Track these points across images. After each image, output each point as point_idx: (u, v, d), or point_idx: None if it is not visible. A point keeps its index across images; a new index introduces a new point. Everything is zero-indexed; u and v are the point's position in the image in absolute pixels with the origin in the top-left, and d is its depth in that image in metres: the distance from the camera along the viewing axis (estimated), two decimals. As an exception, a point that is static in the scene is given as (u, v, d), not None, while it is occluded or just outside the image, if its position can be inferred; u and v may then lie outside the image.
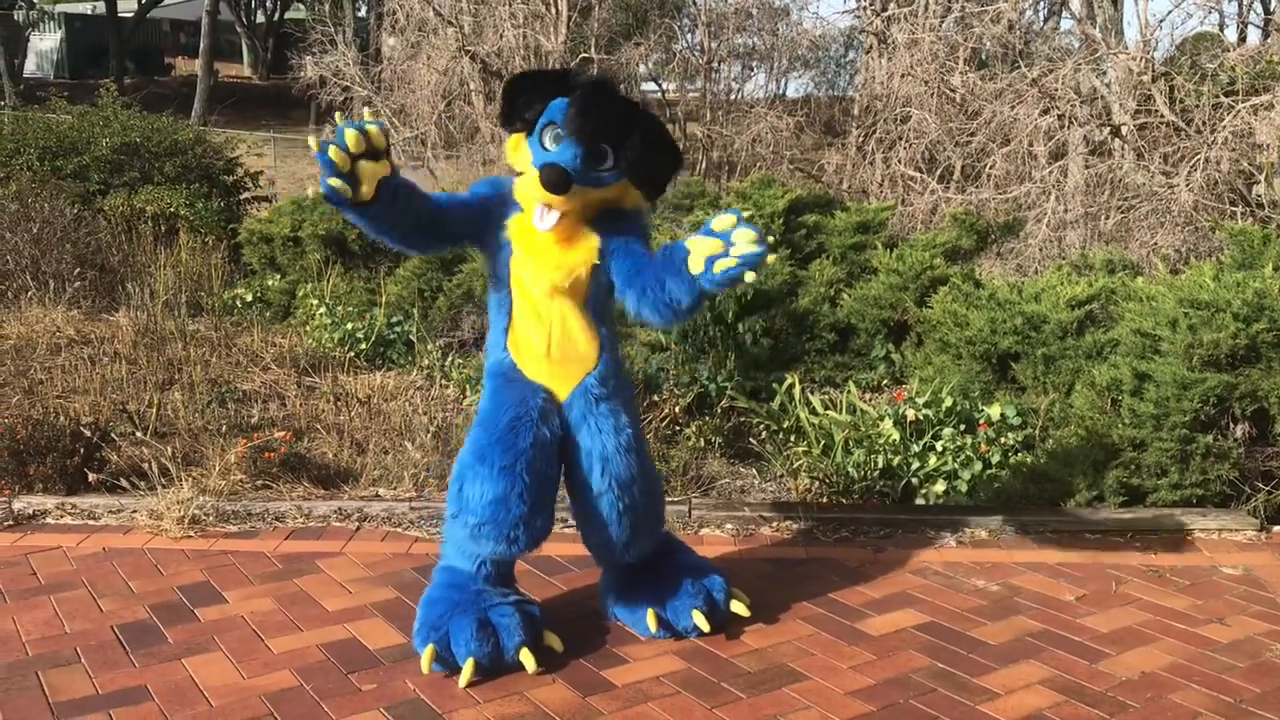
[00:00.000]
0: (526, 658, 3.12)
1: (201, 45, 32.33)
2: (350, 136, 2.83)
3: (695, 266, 2.90)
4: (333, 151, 2.82)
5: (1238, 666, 3.28)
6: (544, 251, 3.13)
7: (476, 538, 3.09)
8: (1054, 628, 3.51)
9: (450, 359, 6.52)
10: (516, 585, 3.40)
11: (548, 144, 3.10)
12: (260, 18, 42.26)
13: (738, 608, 3.43)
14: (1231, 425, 4.49)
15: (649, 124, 3.17)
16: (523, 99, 3.16)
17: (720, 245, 2.86)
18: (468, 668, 3.07)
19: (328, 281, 8.02)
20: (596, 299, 3.22)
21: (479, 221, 3.21)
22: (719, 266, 2.85)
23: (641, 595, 3.38)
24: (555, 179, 2.99)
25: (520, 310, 3.22)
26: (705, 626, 3.34)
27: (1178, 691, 3.13)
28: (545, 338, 3.18)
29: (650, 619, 3.33)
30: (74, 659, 3.20)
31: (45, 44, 39.58)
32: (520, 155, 3.20)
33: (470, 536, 3.10)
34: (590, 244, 3.15)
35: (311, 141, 2.90)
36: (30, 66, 37.12)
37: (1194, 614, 3.62)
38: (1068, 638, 3.44)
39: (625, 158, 3.09)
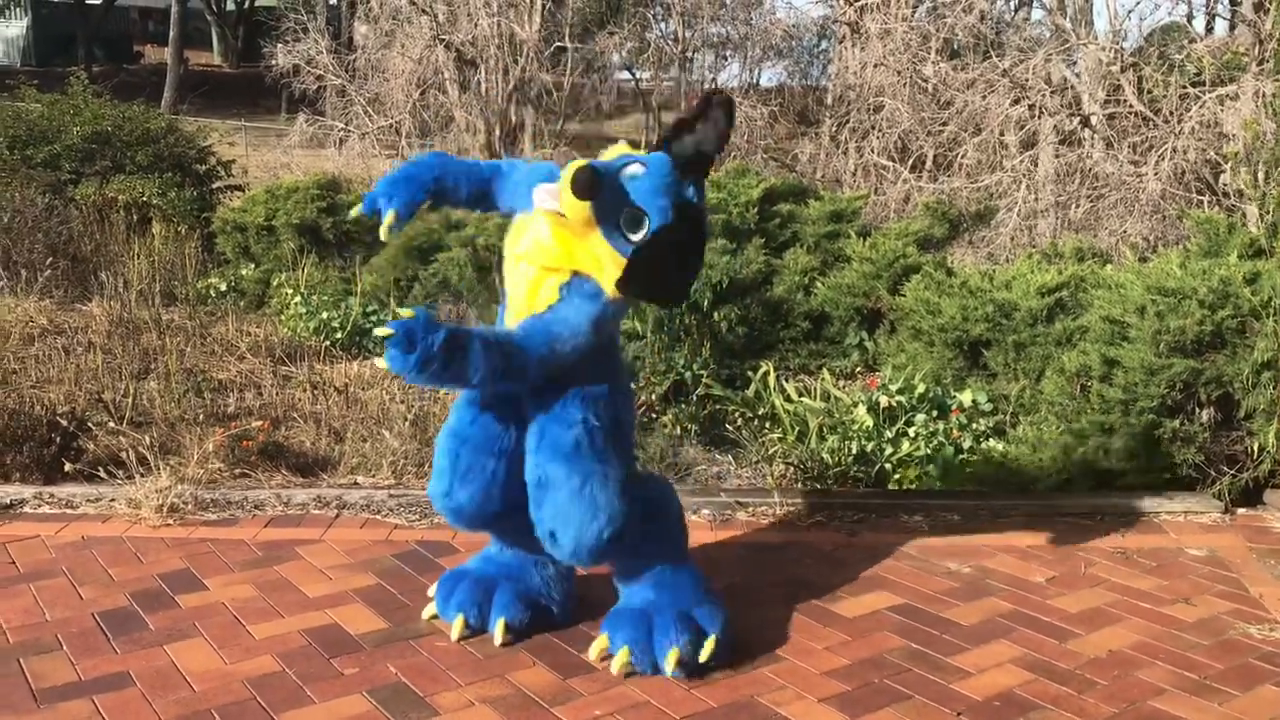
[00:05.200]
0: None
1: (171, 33, 32.12)
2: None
3: None
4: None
5: (1202, 645, 3.36)
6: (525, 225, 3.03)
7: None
8: (1024, 608, 3.58)
9: (427, 348, 6.52)
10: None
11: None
12: (230, 5, 41.89)
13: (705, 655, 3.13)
14: (1197, 410, 4.57)
15: (695, 212, 2.95)
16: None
17: None
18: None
19: (302, 270, 8.01)
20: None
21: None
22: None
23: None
24: (587, 180, 2.76)
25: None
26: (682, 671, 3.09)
27: (1144, 669, 3.21)
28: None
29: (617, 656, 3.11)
30: (55, 646, 3.21)
31: (11, 31, 39.12)
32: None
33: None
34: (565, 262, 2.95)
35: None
36: (-4, 54, 36.68)
37: (1160, 594, 3.71)
38: (1038, 618, 3.51)
39: (660, 237, 2.86)
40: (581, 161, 2.85)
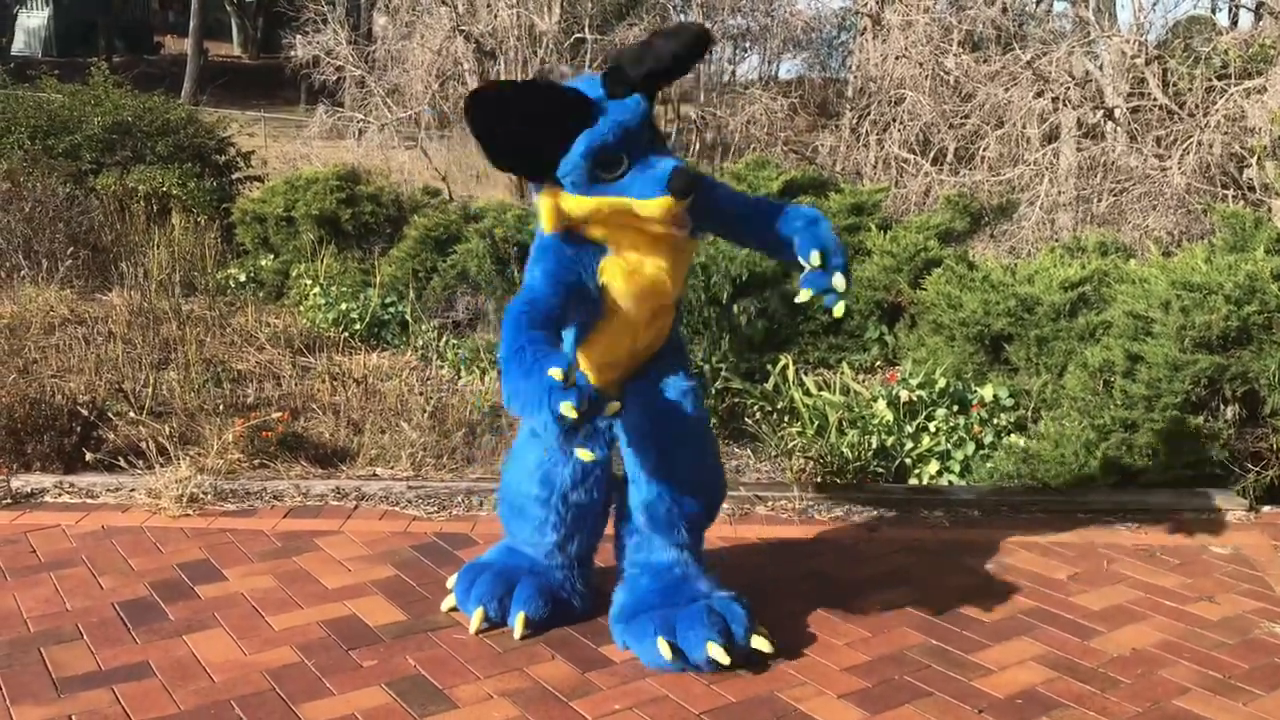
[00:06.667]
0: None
1: (191, 23, 32.22)
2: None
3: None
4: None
5: (1227, 644, 3.32)
6: (653, 281, 2.98)
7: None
8: (1046, 605, 3.55)
9: (445, 339, 6.53)
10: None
11: (606, 172, 2.83)
12: (250, -4, 41.95)
13: (759, 643, 3.12)
14: (1222, 406, 4.53)
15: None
16: (534, 149, 2.82)
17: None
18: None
19: (321, 261, 8.02)
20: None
21: (577, 286, 2.95)
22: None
23: (650, 620, 3.13)
24: (689, 179, 2.78)
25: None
26: (724, 659, 3.03)
27: (1168, 668, 3.17)
28: (629, 349, 3.14)
29: (662, 646, 3.04)
30: (76, 635, 3.22)
31: (33, 21, 39.29)
32: (573, 205, 2.87)
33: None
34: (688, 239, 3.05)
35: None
36: (18, 44, 36.87)
37: (1184, 592, 3.67)
38: (1060, 615, 3.49)
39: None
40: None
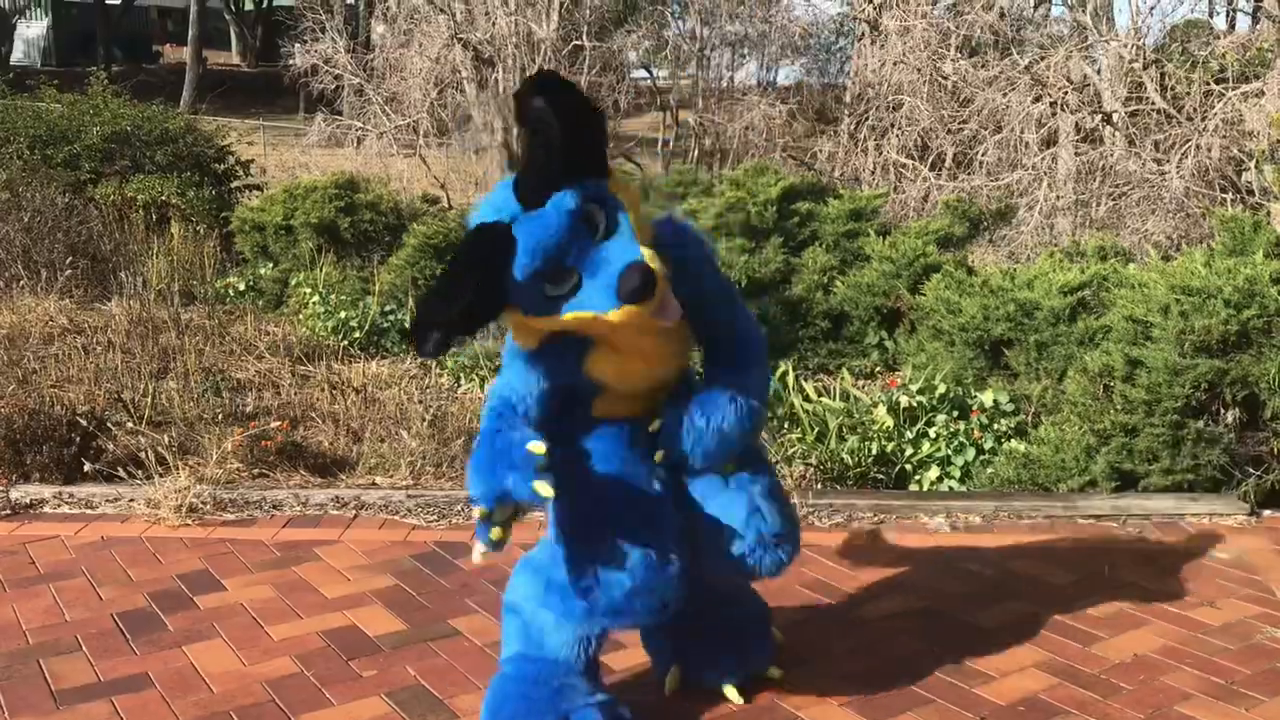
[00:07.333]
0: None
1: (190, 33, 32.23)
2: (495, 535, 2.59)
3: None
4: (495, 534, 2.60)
5: (1229, 649, 3.32)
6: (647, 355, 2.63)
7: (623, 610, 2.57)
8: (1047, 611, 3.54)
9: (445, 347, 6.52)
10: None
11: (558, 290, 2.42)
12: (249, 4, 42.04)
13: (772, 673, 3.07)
14: (1222, 411, 4.52)
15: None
16: (476, 312, 2.41)
17: None
18: None
19: (320, 270, 8.02)
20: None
21: (561, 392, 2.64)
22: None
23: (720, 647, 2.99)
24: (645, 279, 2.33)
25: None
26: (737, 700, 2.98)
27: (1170, 674, 3.16)
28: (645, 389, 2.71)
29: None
30: (75, 647, 3.21)
31: (32, 31, 39.34)
32: (538, 327, 2.50)
33: (613, 609, 2.57)
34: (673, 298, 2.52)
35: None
36: (18, 54, 36.91)
37: (1185, 597, 3.66)
38: (1061, 621, 3.48)
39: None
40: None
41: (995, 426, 4.99)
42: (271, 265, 8.59)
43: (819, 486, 4.69)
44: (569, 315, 2.42)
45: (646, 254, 2.36)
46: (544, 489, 2.39)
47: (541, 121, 2.30)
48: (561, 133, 2.29)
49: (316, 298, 7.33)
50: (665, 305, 2.43)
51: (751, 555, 2.68)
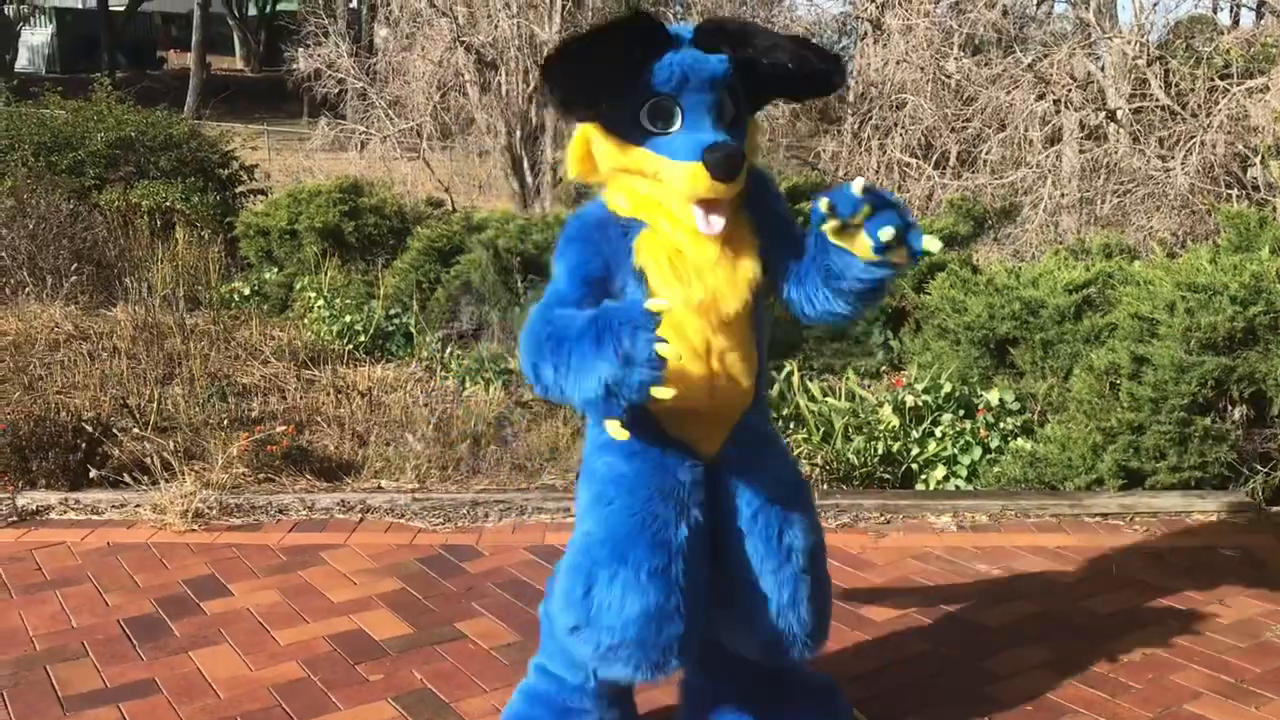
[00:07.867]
0: None
1: (194, 38, 32.33)
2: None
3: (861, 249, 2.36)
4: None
5: (1238, 647, 3.30)
6: (703, 270, 2.35)
7: (608, 659, 2.37)
8: (1055, 610, 3.53)
9: (449, 350, 6.53)
10: (634, 702, 2.76)
11: (653, 124, 2.31)
12: (252, 10, 42.12)
13: None
14: (1229, 408, 4.51)
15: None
16: (591, 76, 2.29)
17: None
18: None
19: (325, 274, 8.02)
20: (758, 311, 2.47)
21: (606, 283, 2.40)
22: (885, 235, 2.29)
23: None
24: (731, 162, 2.23)
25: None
26: None
27: (1178, 672, 3.15)
28: (705, 379, 2.38)
29: None
30: (82, 653, 3.21)
31: (36, 39, 39.47)
32: (605, 150, 2.38)
33: (598, 656, 2.38)
34: (750, 241, 2.43)
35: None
36: (22, 61, 37.00)
37: (1193, 595, 3.65)
38: (1069, 620, 3.47)
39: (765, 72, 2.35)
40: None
41: (1001, 425, 4.98)
42: (276, 270, 8.59)
43: (825, 487, 4.68)
44: (643, 151, 2.31)
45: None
46: (616, 430, 2.14)
47: (770, 36, 2.39)
48: (768, 52, 2.34)
49: (321, 302, 7.33)
50: (720, 211, 2.31)
51: (789, 640, 2.47)
